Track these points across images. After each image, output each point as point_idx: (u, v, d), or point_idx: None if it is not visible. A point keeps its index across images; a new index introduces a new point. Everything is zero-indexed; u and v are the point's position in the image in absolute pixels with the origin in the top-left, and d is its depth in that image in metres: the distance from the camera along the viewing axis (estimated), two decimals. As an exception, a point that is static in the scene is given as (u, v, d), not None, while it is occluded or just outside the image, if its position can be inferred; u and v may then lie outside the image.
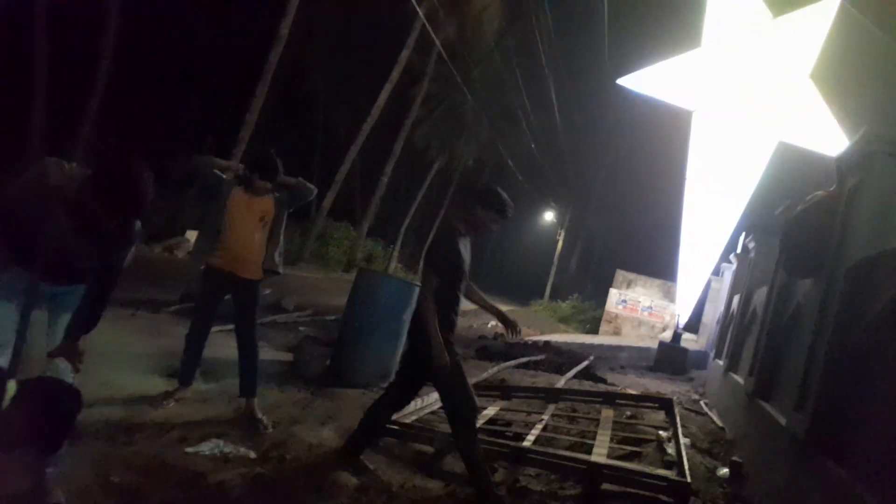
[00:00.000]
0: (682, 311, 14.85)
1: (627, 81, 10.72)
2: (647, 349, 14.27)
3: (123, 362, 4.26)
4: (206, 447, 3.19)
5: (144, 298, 6.54)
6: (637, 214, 34.60)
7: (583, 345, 14.01)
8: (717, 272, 14.19)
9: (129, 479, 2.66)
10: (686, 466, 3.68)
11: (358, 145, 18.62)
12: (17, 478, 2.05)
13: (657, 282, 21.94)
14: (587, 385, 7.83)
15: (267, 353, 4.73)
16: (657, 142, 23.79)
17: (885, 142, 3.35)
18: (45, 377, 2.14)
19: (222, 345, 4.79)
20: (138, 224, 2.43)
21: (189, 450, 3.13)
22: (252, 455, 3.26)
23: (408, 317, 5.80)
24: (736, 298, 8.74)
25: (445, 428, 4.34)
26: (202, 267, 3.89)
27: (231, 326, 4.11)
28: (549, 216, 36.33)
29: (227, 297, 3.98)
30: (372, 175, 21.97)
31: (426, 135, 22.97)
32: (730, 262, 11.68)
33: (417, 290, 5.96)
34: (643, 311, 21.44)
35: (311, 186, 4.12)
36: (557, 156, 28.35)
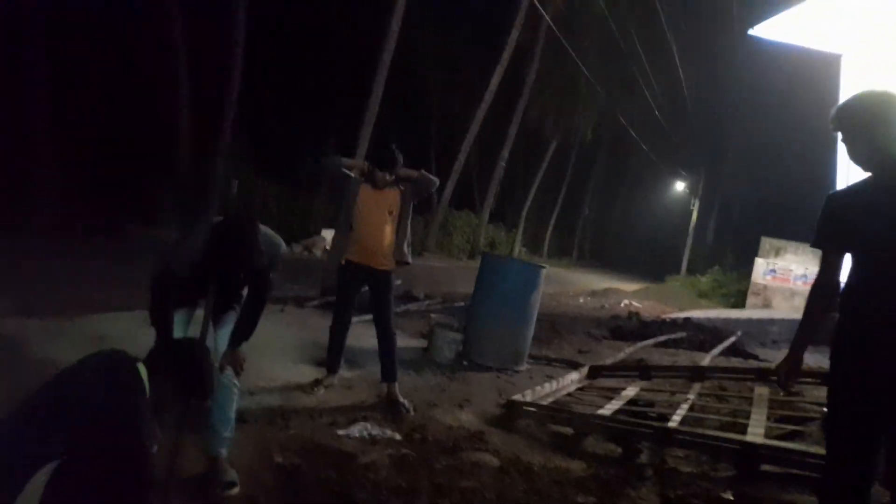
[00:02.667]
0: (843, 278, 13.36)
1: (761, 31, 9.76)
2: (803, 321, 12.98)
3: (276, 354, 4.64)
4: (355, 430, 3.39)
5: (290, 295, 7.06)
6: (780, 176, 31.51)
7: (727, 320, 13.07)
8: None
9: (289, 459, 2.89)
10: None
11: (473, 132, 18.70)
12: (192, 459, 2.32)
13: (810, 248, 19.86)
14: (735, 362, 7.31)
15: (403, 341, 4.92)
16: (800, 94, 21.43)
17: None
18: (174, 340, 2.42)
19: (362, 335, 5.04)
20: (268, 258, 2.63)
21: (340, 432, 3.35)
22: (397, 437, 3.42)
23: (535, 299, 5.78)
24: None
25: (582, 408, 4.27)
26: (340, 262, 4.13)
27: (369, 317, 4.33)
28: (679, 186, 34.25)
29: (363, 289, 4.19)
30: (489, 161, 22.02)
31: (541, 114, 22.58)
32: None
33: (542, 271, 5.93)
34: (796, 280, 19.54)
35: (433, 177, 4.22)
36: (685, 121, 26.66)
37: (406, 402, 3.95)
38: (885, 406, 1.98)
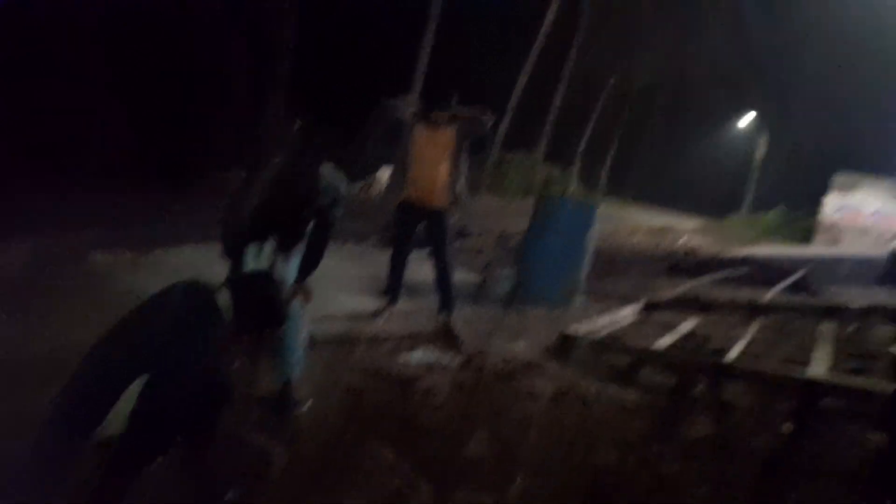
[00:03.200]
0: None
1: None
2: (875, 260, 12.42)
3: (341, 285, 4.85)
4: (415, 356, 3.57)
5: (351, 232, 7.26)
6: (859, 105, 29.32)
7: (792, 258, 12.62)
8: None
9: (355, 382, 3.08)
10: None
11: (528, 70, 18.14)
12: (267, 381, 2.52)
13: (886, 182, 18.66)
14: (799, 299, 7.11)
15: (459, 276, 5.02)
16: (876, 16, 19.62)
17: None
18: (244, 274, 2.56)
19: (420, 269, 5.18)
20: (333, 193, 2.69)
21: (401, 358, 3.53)
22: (455, 364, 3.57)
23: (590, 237, 5.74)
24: None
25: (637, 342, 4.30)
26: (396, 201, 4.22)
27: (427, 251, 4.45)
28: (748, 119, 32.42)
29: (420, 226, 4.29)
30: (545, 98, 21.38)
31: (597, 52, 21.58)
32: None
33: (597, 209, 5.86)
34: (868, 217, 18.54)
35: (488, 115, 4.18)
36: (751, 49, 24.93)
37: (462, 334, 4.09)
38: None
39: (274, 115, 13.01)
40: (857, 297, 8.07)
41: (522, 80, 18.37)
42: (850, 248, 17.24)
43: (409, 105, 4.25)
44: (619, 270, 8.03)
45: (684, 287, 7.10)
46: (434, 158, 4.06)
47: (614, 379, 3.69)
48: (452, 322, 4.17)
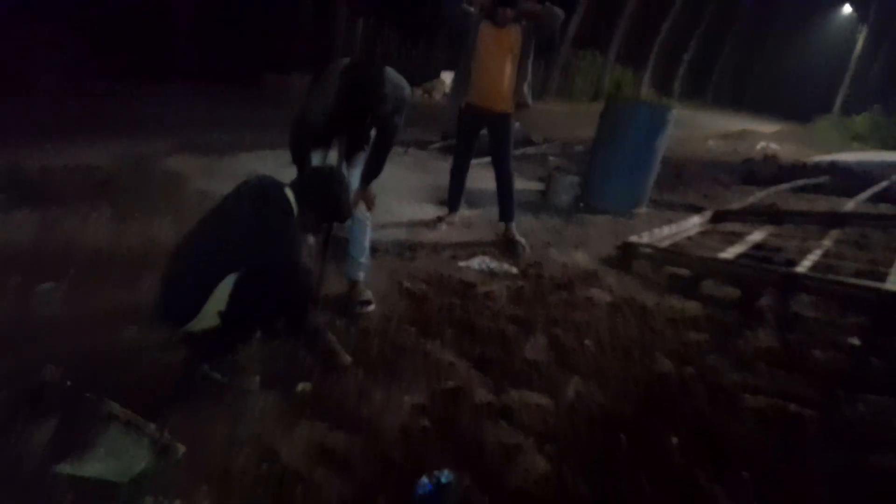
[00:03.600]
0: None
1: None
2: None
3: (402, 193, 4.92)
4: (475, 262, 3.63)
5: (412, 139, 7.24)
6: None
7: (882, 163, 11.66)
8: None
9: (417, 286, 3.19)
10: None
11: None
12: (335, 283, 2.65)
13: None
14: (884, 208, 6.67)
15: (521, 184, 4.98)
16: None
17: None
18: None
19: (482, 177, 5.16)
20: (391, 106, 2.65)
21: (461, 264, 3.61)
22: (514, 271, 3.62)
23: (661, 142, 5.50)
24: None
25: (702, 252, 4.20)
26: (459, 105, 4.12)
27: (489, 159, 4.40)
28: (845, 10, 29.18)
29: (483, 131, 4.21)
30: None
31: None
32: None
33: (669, 113, 5.55)
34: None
35: (558, 11, 3.94)
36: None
37: (523, 241, 4.10)
38: None
39: (339, 16, 12.74)
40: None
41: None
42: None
43: (476, 1, 4.04)
44: (689, 178, 7.72)
45: (759, 195, 6.78)
46: (500, 59, 3.92)
47: (676, 290, 3.66)
48: (513, 230, 4.18)
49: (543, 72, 18.11)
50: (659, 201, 6.08)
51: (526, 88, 4.03)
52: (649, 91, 22.63)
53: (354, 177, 2.89)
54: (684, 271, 3.86)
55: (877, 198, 7.34)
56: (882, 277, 3.53)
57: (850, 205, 6.52)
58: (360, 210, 2.90)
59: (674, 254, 3.99)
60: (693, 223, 5.06)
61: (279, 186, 2.14)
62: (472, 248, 3.91)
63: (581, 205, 5.49)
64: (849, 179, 8.55)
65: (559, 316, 3.03)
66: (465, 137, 4.24)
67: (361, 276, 2.94)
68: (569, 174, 5.68)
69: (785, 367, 2.66)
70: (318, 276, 2.62)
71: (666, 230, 4.62)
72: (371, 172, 2.86)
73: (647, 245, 4.04)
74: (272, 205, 2.07)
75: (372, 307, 2.83)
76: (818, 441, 2.12)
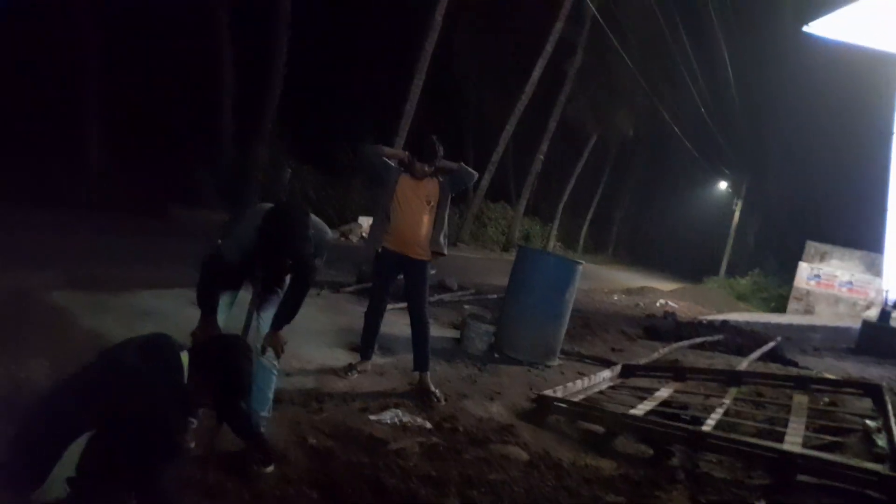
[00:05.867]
0: (891, 286, 12.87)
1: (816, 28, 9.42)
2: (848, 329, 12.63)
3: (312, 337, 4.71)
4: (387, 416, 3.43)
5: (327, 280, 7.16)
6: (829, 178, 30.19)
7: (767, 324, 12.75)
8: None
9: (322, 442, 2.94)
10: (902, 460, 3.21)
11: (513, 125, 18.55)
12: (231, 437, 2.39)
13: (858, 253, 19.21)
14: (774, 368, 7.13)
15: (436, 331, 4.95)
16: (854, 94, 20.54)
17: None
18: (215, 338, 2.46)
19: (396, 322, 5.09)
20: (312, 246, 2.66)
21: (371, 417, 3.39)
22: (427, 425, 3.44)
23: (570, 294, 5.73)
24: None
25: (613, 407, 4.23)
26: (376, 250, 4.16)
27: (404, 305, 4.37)
28: (722, 186, 33.36)
29: (398, 277, 4.23)
30: (527, 154, 21.82)
31: (581, 108, 22.24)
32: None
33: (578, 266, 5.88)
34: (841, 286, 18.94)
35: (472, 170, 4.22)
36: (732, 119, 25.91)
37: (437, 392, 3.98)
38: None
39: (260, 158, 13.04)
40: (831, 367, 8.14)
41: (506, 134, 18.72)
42: (822, 316, 17.48)
43: (395, 155, 4.25)
44: (597, 330, 8.01)
45: (662, 351, 7.08)
46: (418, 209, 4.05)
47: (590, 446, 3.61)
48: (427, 380, 4.07)
49: (458, 220, 19.07)
50: (570, 352, 6.20)
51: (442, 238, 4.16)
52: (556, 244, 24.17)
53: (265, 320, 2.76)
54: (598, 427, 3.85)
55: (766, 357, 7.90)
56: (780, 437, 3.64)
57: (744, 364, 6.92)
58: (268, 356, 2.74)
59: (588, 409, 3.99)
60: (604, 377, 5.15)
61: (174, 347, 1.98)
62: (384, 400, 3.73)
63: (496, 354, 5.50)
64: (740, 338, 9.19)
65: (475, 475, 2.86)
66: (380, 282, 4.23)
67: (261, 430, 2.69)
68: (483, 322, 5.74)
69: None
70: (212, 431, 2.38)
71: (579, 384, 4.66)
72: (285, 316, 2.74)
73: (562, 399, 4.02)
74: (160, 366, 1.89)
75: (271, 467, 2.56)
76: None
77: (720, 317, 12.83)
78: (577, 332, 7.36)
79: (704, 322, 11.08)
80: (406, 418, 3.46)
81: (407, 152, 4.20)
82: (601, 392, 4.80)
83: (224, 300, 2.67)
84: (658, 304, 13.53)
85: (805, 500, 3.09)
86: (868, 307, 17.18)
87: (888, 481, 2.96)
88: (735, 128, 27.65)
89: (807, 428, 4.04)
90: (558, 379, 5.01)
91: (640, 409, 4.08)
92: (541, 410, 3.96)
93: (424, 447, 3.10)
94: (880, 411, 4.52)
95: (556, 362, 5.69)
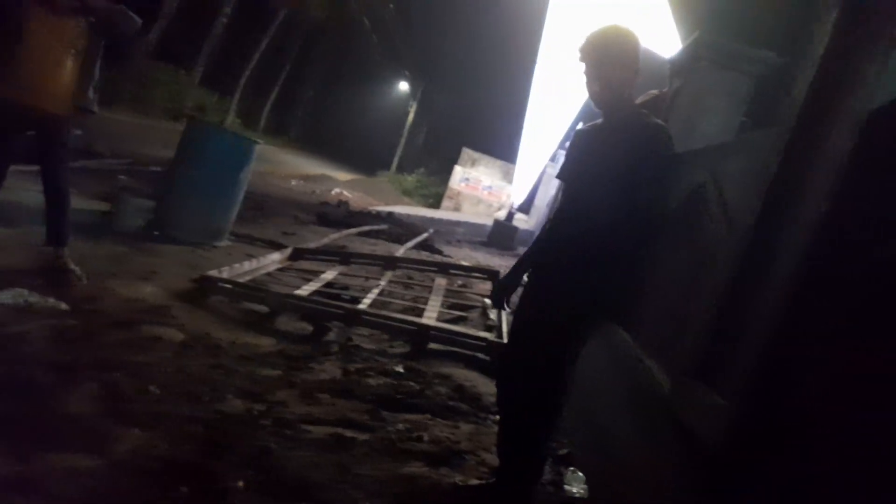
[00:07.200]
0: (517, 193, 15.80)
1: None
2: (483, 226, 15.12)
3: None
4: (7, 296, 2.87)
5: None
6: (485, 94, 34.83)
7: (424, 218, 14.45)
8: (553, 158, 15.05)
9: None
10: (504, 330, 4.08)
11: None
12: None
13: (499, 163, 22.88)
14: (424, 255, 8.19)
15: (78, 202, 4.22)
16: (510, 19, 23.62)
17: (710, 49, 3.62)
18: None
19: (25, 188, 4.20)
20: None
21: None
22: (62, 306, 3.00)
23: (245, 175, 5.51)
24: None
25: (280, 288, 4.34)
26: None
27: (36, 168, 3.58)
28: (402, 87, 35.42)
29: (28, 133, 3.42)
30: (207, 13, 19.44)
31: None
32: (565, 149, 12.47)
33: (256, 147, 5.64)
34: (483, 190, 22.43)
35: (134, 16, 3.54)
36: (414, 26, 27.21)
37: (77, 270, 3.47)
38: None
39: None
40: (467, 256, 9.74)
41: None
42: (467, 214, 20.56)
43: None
44: (270, 214, 7.95)
45: (332, 237, 7.44)
46: (58, 51, 3.28)
47: (252, 326, 3.66)
48: (65, 256, 3.50)
49: (117, 77, 16.20)
50: (240, 235, 6.05)
51: (91, 93, 3.48)
52: (234, 121, 22.67)
53: None
54: (262, 307, 3.90)
55: (420, 246, 9.01)
56: (420, 313, 4.26)
57: (401, 251, 7.77)
58: None
59: (252, 289, 4.00)
60: (273, 259, 5.20)
61: None
62: (4, 278, 3.09)
63: (155, 233, 5.02)
64: (401, 228, 10.25)
65: (117, 359, 2.63)
66: (-1, 138, 3.38)
67: None
68: (140, 196, 5.13)
69: (344, 396, 2.90)
70: None
71: (246, 265, 4.61)
72: None
73: (227, 280, 3.94)
74: None
75: None
76: (367, 458, 2.35)
77: (387, 208, 14.04)
78: (250, 215, 7.19)
79: (373, 212, 12.01)
80: (34, 299, 2.95)
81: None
82: (269, 274, 4.86)
83: None
84: (333, 193, 14.07)
85: (432, 362, 3.70)
86: (499, 209, 20.89)
87: (493, 346, 3.74)
88: (417, 36, 29.23)
89: (442, 305, 4.82)
90: (225, 260, 4.86)
91: (305, 290, 4.28)
92: (202, 291, 3.83)
93: (56, 330, 2.72)
94: (493, 291, 5.64)
95: (224, 243, 5.49)
